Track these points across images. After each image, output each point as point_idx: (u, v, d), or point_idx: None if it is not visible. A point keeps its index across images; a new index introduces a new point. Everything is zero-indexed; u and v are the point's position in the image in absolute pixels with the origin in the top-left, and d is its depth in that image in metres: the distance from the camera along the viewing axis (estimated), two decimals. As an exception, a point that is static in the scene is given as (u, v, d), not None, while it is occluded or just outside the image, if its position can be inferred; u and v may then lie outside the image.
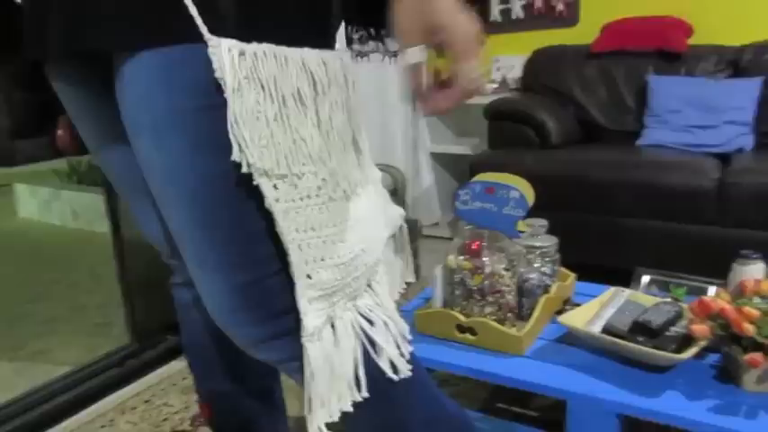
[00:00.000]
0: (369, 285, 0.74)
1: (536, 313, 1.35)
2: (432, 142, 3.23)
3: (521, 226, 1.39)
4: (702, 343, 1.12)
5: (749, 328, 1.02)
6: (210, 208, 0.64)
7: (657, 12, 2.79)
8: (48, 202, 3.95)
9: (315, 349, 0.66)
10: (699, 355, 1.17)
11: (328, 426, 0.69)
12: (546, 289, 1.44)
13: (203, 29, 0.58)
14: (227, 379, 1.00)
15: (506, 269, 1.35)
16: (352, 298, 0.70)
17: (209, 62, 0.59)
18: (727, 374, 1.12)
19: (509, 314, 1.37)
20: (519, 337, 1.28)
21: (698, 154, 2.25)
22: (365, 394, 0.69)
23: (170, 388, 1.83)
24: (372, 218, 0.75)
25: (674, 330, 1.17)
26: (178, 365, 1.95)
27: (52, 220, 3.94)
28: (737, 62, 2.54)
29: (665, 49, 2.66)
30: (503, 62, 3.25)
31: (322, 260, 0.66)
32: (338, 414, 0.69)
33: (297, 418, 1.54)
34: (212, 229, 0.64)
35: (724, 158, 2.21)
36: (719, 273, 1.40)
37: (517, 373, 1.22)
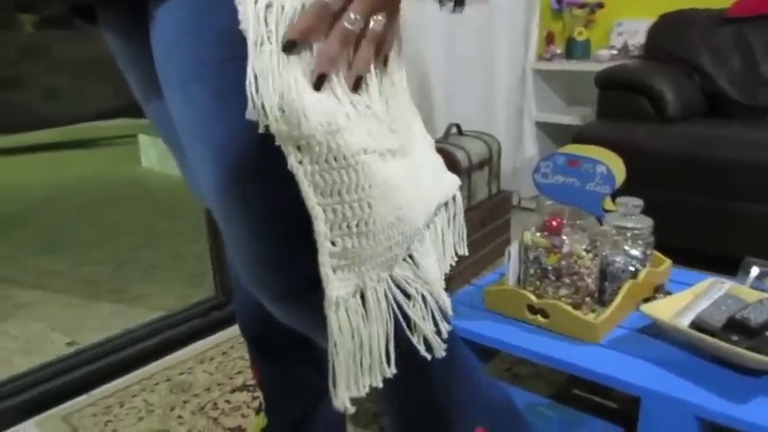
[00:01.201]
0: (410, 256, 0.68)
1: (617, 300, 1.23)
2: (538, 110, 3.06)
3: (607, 204, 1.27)
4: (807, 350, 0.97)
5: None
6: (236, 164, 0.60)
7: (809, -30, 2.44)
8: (168, 153, 4.17)
9: (337, 321, 0.62)
10: (802, 363, 1.01)
11: (357, 401, 0.65)
12: (633, 274, 1.31)
13: None
14: (276, 340, 0.99)
15: (587, 250, 1.24)
16: (387, 268, 0.65)
17: (235, 11, 0.55)
18: (835, 389, 0.96)
19: (587, 299, 1.26)
20: (594, 324, 1.18)
21: (842, 134, 1.96)
22: (395, 371, 0.65)
23: (249, 342, 1.87)
24: (414, 183, 0.68)
25: (775, 332, 1.02)
26: (260, 320, 1.99)
27: (171, 170, 4.16)
28: None
29: (814, 13, 2.33)
30: (625, 27, 3.00)
31: (348, 227, 0.60)
32: (365, 390, 0.65)
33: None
34: (238, 188, 0.61)
35: None
36: None
37: (587, 362, 1.12)
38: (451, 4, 0.70)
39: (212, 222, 1.95)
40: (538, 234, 1.26)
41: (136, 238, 3.03)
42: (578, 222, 1.25)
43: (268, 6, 0.55)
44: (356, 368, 0.64)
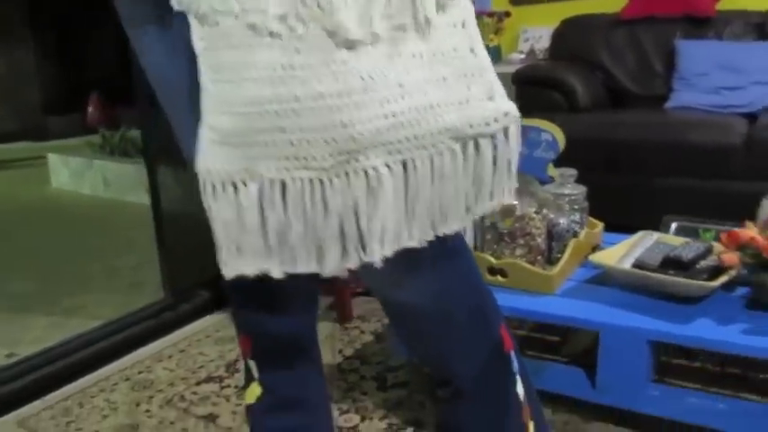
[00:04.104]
0: None
1: (566, 255, 1.37)
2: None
3: (551, 171, 1.42)
4: (732, 272, 1.14)
5: (780, 253, 1.03)
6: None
7: (686, -22, 2.77)
8: (80, 172, 4.03)
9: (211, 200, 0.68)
10: (729, 288, 1.19)
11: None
12: (575, 234, 1.46)
13: None
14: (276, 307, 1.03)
15: (536, 212, 1.38)
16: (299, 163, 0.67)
17: None
18: (758, 304, 1.13)
19: (539, 257, 1.39)
20: (550, 276, 1.31)
21: (725, 114, 2.25)
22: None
23: (205, 339, 1.88)
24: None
25: (705, 264, 1.19)
26: (212, 319, 2.00)
27: (84, 189, 4.02)
28: (763, 26, 2.55)
29: (693, 14, 2.65)
30: (531, 33, 3.25)
31: (226, 102, 0.66)
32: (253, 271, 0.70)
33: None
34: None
35: (751, 117, 2.21)
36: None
37: (549, 308, 1.25)
38: None
39: (162, 231, 1.96)
40: (492, 201, 1.38)
41: (58, 254, 2.92)
42: (527, 188, 1.38)
43: None
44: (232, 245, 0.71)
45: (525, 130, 1.34)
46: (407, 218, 0.69)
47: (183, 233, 1.96)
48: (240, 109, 0.65)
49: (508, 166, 0.69)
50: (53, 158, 4.22)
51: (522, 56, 3.13)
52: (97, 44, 5.70)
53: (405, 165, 0.67)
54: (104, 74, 5.52)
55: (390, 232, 0.68)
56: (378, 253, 0.68)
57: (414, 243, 0.69)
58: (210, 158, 0.68)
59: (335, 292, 1.91)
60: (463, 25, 0.68)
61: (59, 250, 3.00)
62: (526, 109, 2.68)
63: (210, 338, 1.88)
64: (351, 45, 0.63)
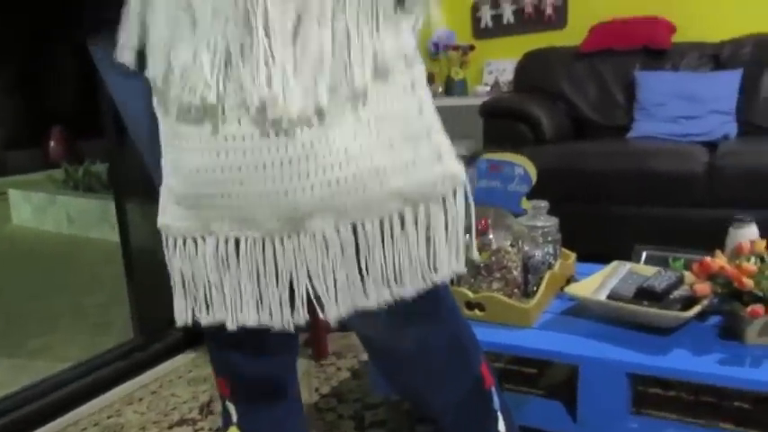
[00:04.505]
0: None
1: (542, 288, 1.39)
2: (425, 143, 3.28)
3: (525, 204, 1.44)
4: (705, 302, 1.17)
5: (748, 283, 1.07)
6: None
7: (641, 12, 2.88)
8: (42, 208, 3.96)
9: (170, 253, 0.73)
10: (702, 318, 1.22)
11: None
12: (549, 266, 1.48)
13: None
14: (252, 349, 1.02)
15: (512, 245, 1.39)
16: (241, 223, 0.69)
17: None
18: (730, 333, 1.16)
19: (515, 290, 1.41)
20: (527, 309, 1.32)
21: (686, 143, 2.32)
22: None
23: (177, 380, 1.84)
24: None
25: (677, 294, 1.21)
26: (184, 359, 1.96)
27: (47, 226, 3.94)
28: (718, 56, 2.65)
29: (650, 46, 2.75)
30: (495, 66, 3.32)
31: (177, 168, 0.70)
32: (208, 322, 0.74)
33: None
34: None
35: (711, 146, 2.29)
36: (711, 249, 1.45)
37: (528, 342, 1.25)
38: None
39: (131, 270, 1.93)
40: (467, 235, 1.39)
41: (25, 292, 2.84)
42: (502, 221, 1.40)
43: None
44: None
45: (499, 165, 1.37)
46: (361, 279, 0.70)
47: (152, 270, 1.93)
48: (189, 176, 0.68)
49: (456, 233, 0.71)
50: (14, 194, 4.13)
51: (488, 88, 3.19)
52: (58, 77, 5.63)
53: (354, 228, 0.68)
54: (66, 107, 5.45)
55: (344, 292, 0.70)
56: (334, 312, 0.70)
57: (371, 304, 0.70)
58: (169, 214, 0.72)
59: (311, 328, 1.89)
60: (412, 87, 0.70)
61: (22, 289, 2.92)
62: (494, 141, 2.75)
63: (183, 379, 1.84)
64: (293, 117, 0.64)
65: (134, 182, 1.91)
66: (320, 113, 0.64)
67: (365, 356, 1.76)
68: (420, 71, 0.71)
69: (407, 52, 0.69)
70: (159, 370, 1.89)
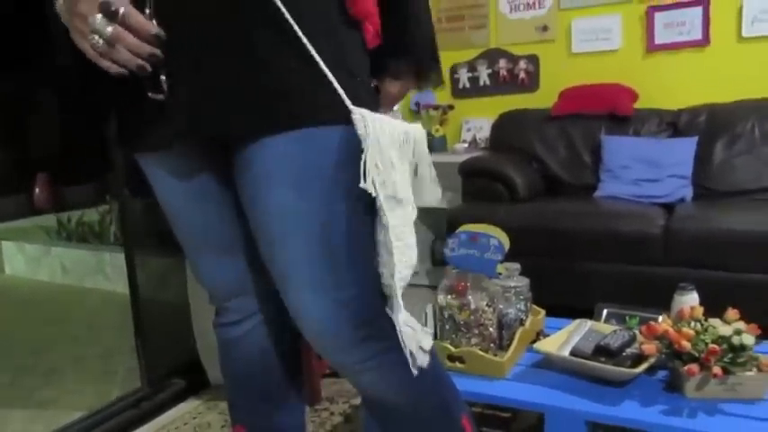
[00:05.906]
0: None
1: (515, 343, 1.58)
2: (408, 197, 3.48)
3: (499, 268, 1.64)
4: (652, 360, 1.37)
5: (686, 345, 1.27)
6: (338, 236, 0.88)
7: (607, 80, 3.15)
8: (36, 259, 4.05)
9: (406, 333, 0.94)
10: (650, 372, 1.41)
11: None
12: (521, 322, 1.68)
13: (348, 102, 0.85)
14: (267, 407, 1.19)
15: (488, 305, 1.59)
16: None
17: (338, 133, 0.85)
18: (673, 386, 1.36)
19: (491, 344, 1.60)
20: (501, 363, 1.51)
21: (646, 204, 2.56)
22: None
23: (183, 427, 1.98)
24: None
25: (629, 351, 1.41)
26: (187, 406, 2.11)
27: (41, 276, 4.03)
28: (676, 124, 2.90)
29: (614, 112, 3.00)
30: (472, 124, 3.57)
31: (405, 261, 0.91)
32: None
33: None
34: (334, 255, 0.88)
35: (668, 207, 2.52)
36: (666, 305, 1.66)
37: (501, 392, 1.44)
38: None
39: (139, 319, 2.07)
40: (449, 297, 1.59)
41: (26, 345, 2.94)
42: (479, 284, 1.59)
43: (372, 120, 0.86)
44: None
45: (476, 236, 1.57)
46: None
47: (158, 321, 2.08)
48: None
49: None
50: (7, 245, 4.22)
51: (466, 145, 3.43)
52: (41, 123, 5.72)
53: None
54: (49, 154, 5.52)
55: None
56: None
57: None
58: None
59: (304, 374, 2.05)
60: None
61: (24, 340, 3.02)
62: (473, 197, 2.97)
63: (188, 426, 1.99)
64: None
65: (142, 234, 2.06)
66: None
67: (357, 401, 1.93)
68: None
69: None
70: (165, 418, 2.03)
